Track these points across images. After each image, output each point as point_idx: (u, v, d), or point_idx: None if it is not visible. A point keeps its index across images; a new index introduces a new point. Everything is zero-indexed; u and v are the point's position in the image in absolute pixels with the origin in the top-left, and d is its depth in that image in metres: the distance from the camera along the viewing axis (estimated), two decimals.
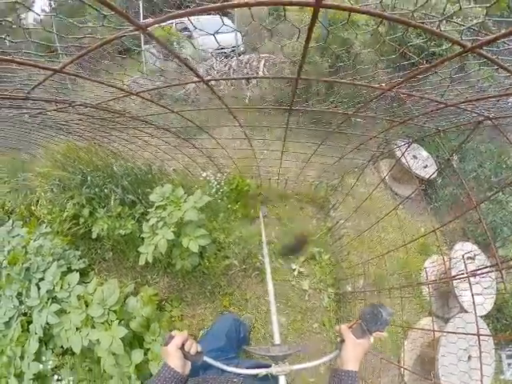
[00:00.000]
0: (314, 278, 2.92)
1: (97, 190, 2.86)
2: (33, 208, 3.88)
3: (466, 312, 2.90)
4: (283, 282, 2.91)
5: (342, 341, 1.08)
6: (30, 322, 2.95)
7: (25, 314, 3.06)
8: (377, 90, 1.34)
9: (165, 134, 2.80)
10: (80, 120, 2.46)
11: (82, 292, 2.44)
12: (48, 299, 2.61)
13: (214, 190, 2.90)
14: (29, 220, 3.63)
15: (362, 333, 1.04)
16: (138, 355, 2.07)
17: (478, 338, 1.72)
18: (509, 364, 3.15)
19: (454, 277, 2.06)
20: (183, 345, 1.04)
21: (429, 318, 3.09)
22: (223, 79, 3.87)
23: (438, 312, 3.23)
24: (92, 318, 2.26)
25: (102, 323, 2.13)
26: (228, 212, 3.00)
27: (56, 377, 2.58)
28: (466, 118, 1.89)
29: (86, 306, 2.28)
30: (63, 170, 3.14)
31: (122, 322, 2.16)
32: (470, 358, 2.65)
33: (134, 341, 2.26)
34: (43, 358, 2.67)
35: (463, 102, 1.36)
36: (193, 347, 1.06)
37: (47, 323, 2.52)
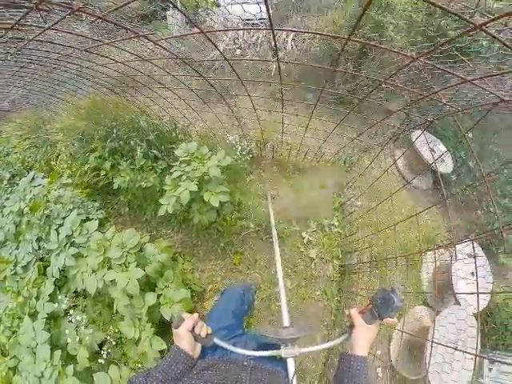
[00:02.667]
0: (321, 248, 2.90)
1: (121, 142, 2.81)
2: (52, 163, 3.86)
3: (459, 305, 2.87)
4: (293, 247, 2.90)
5: (352, 325, 1.06)
6: (46, 267, 2.98)
7: (42, 259, 3.08)
8: (406, 59, 1.32)
9: (190, 94, 2.76)
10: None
11: (100, 238, 2.42)
12: (66, 243, 2.60)
13: (237, 155, 2.85)
14: (48, 174, 3.62)
15: (372, 318, 1.02)
16: (151, 297, 2.05)
17: None
18: (489, 369, 3.06)
19: None
20: (193, 327, 1.03)
21: (422, 306, 3.09)
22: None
23: (432, 304, 3.19)
24: (109, 260, 2.25)
25: (120, 265, 2.11)
26: (247, 177, 2.97)
27: (68, 318, 2.60)
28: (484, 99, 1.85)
29: (104, 249, 2.27)
30: (87, 123, 3.12)
31: (139, 265, 2.14)
32: (456, 349, 2.64)
33: (147, 286, 2.24)
34: (57, 300, 2.69)
35: (480, 78, 1.35)
36: (203, 330, 1.06)
37: (64, 266, 2.52)
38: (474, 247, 2.32)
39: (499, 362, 2.91)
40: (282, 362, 1.10)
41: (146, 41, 1.46)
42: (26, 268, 3.00)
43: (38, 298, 2.72)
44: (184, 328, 1.01)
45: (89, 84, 3.07)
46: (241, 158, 2.88)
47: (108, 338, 2.30)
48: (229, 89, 3.92)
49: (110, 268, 2.18)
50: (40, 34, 1.39)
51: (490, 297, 2.86)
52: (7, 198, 3.67)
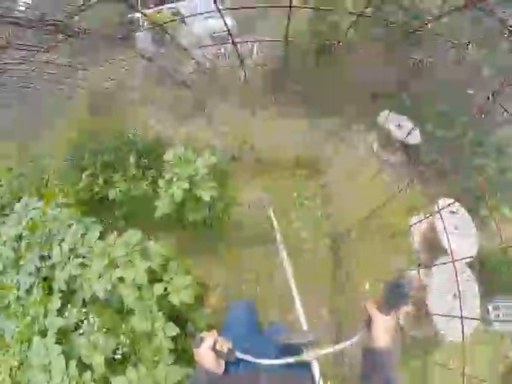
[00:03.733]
0: (311, 228, 3.12)
1: (112, 155, 2.97)
2: (42, 190, 3.92)
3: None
4: (285, 232, 3.05)
5: (369, 318, 1.06)
6: (50, 286, 3.01)
7: (44, 279, 3.11)
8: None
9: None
10: None
11: (103, 245, 2.52)
12: (70, 256, 2.67)
13: (219, 156, 3.05)
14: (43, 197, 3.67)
15: (388, 309, 1.02)
16: (159, 288, 2.16)
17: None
18: (496, 315, 3.29)
19: None
20: (214, 345, 1.03)
21: (415, 268, 3.23)
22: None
23: (427, 263, 3.31)
24: (115, 262, 2.36)
25: (126, 262, 2.23)
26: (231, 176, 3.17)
27: (79, 330, 2.63)
28: None
29: (109, 252, 2.38)
30: (77, 142, 3.26)
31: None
32: (455, 295, 2.81)
33: (154, 281, 2.34)
34: (65, 314, 2.73)
35: None
36: (224, 345, 1.05)
37: (70, 277, 2.59)
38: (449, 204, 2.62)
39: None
40: (305, 365, 1.09)
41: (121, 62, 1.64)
42: (29, 291, 3.00)
43: (45, 316, 2.75)
44: (206, 347, 1.01)
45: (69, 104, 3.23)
46: (224, 157, 3.09)
47: (121, 338, 2.37)
48: (203, 101, 4.14)
49: (116, 267, 2.28)
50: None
51: (476, 246, 3.05)
52: None
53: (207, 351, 1.00)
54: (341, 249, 3.03)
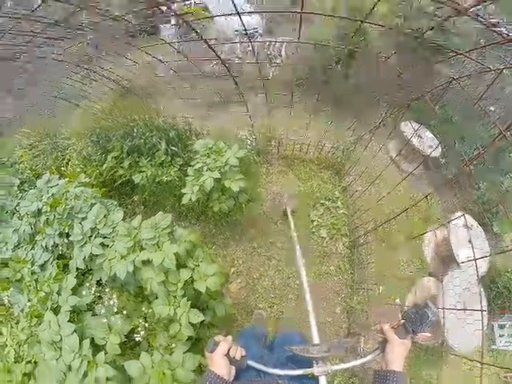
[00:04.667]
0: (330, 228, 3.15)
1: (141, 140, 2.95)
2: (63, 168, 3.90)
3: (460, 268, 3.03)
4: (304, 230, 3.11)
5: (384, 341, 1.05)
6: (65, 265, 2.97)
7: (59, 257, 3.07)
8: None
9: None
10: None
11: (128, 227, 2.48)
12: (91, 235, 2.63)
13: (247, 149, 3.05)
14: (66, 175, 3.65)
15: (405, 333, 1.00)
16: (185, 273, 2.12)
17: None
18: (500, 335, 3.26)
19: None
20: (228, 351, 1.03)
21: (429, 277, 3.24)
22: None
23: (438, 274, 3.35)
24: (140, 244, 2.33)
25: (153, 245, 2.20)
26: (258, 169, 3.17)
27: (96, 308, 2.57)
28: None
29: (135, 234, 2.34)
30: (105, 124, 3.23)
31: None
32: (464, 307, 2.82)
33: (180, 267, 2.31)
34: (80, 293, 2.68)
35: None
36: (237, 352, 1.05)
37: (90, 256, 2.54)
38: (465, 218, 2.61)
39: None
40: (314, 379, 1.08)
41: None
42: (43, 267, 2.97)
43: (59, 293, 2.71)
44: (220, 352, 1.00)
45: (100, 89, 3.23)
46: (251, 151, 3.08)
47: (140, 322, 2.33)
48: (230, 95, 4.14)
49: (141, 249, 2.24)
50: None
51: (488, 262, 3.04)
52: (18, 204, 3.66)
53: (221, 356, 1.00)
54: (357, 250, 3.02)
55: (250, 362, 1.10)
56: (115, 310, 2.34)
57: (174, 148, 2.95)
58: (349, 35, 3.49)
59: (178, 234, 2.30)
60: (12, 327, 2.82)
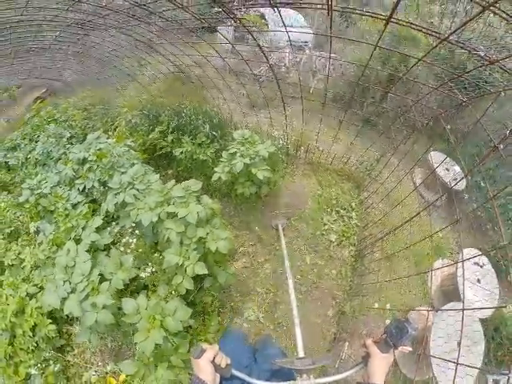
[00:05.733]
0: (340, 235, 3.32)
1: (188, 121, 3.36)
2: (109, 133, 4.35)
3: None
4: (315, 230, 3.32)
5: (367, 355, 1.08)
6: (95, 209, 3.31)
7: (91, 202, 3.42)
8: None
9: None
10: None
11: (160, 188, 2.81)
12: (127, 187, 2.98)
13: (278, 147, 3.40)
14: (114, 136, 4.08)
15: (387, 347, 1.03)
16: (202, 231, 2.37)
17: None
18: None
19: None
20: (214, 358, 1.03)
21: (426, 307, 3.20)
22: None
23: (438, 306, 3.26)
24: (168, 201, 2.65)
25: (181, 203, 2.51)
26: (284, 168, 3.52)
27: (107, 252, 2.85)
28: None
29: (167, 192, 2.67)
30: (158, 102, 3.70)
31: None
32: (458, 344, 2.63)
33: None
34: (103, 234, 2.99)
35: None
36: (223, 360, 1.05)
37: (121, 203, 2.87)
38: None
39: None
40: None
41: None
42: (75, 206, 3.33)
43: (84, 229, 3.03)
44: (205, 359, 1.01)
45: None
46: (281, 150, 3.43)
47: (149, 264, 2.60)
48: (272, 99, 4.53)
49: (168, 204, 2.56)
50: None
51: (495, 309, 2.94)
52: (64, 152, 4.12)
53: (206, 363, 1.01)
54: (362, 261, 3.17)
55: (235, 372, 1.10)
56: (128, 251, 2.63)
57: (214, 133, 3.33)
58: (391, 60, 3.73)
59: (204, 201, 2.60)
60: (35, 247, 3.14)
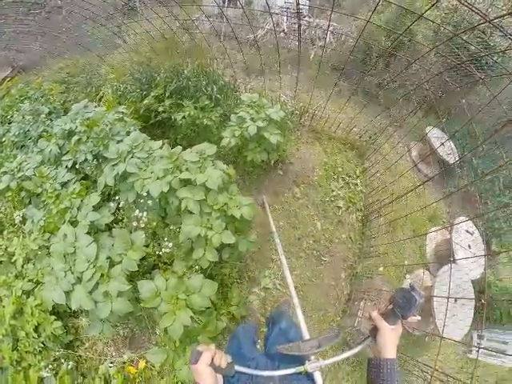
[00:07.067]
0: (347, 201, 3.29)
1: (189, 83, 2.96)
2: (94, 103, 3.83)
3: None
4: (324, 196, 3.25)
5: (375, 328, 1.01)
6: (87, 187, 2.89)
7: (83, 179, 2.99)
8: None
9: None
10: None
11: (168, 153, 2.45)
12: (126, 156, 2.58)
13: (286, 111, 3.12)
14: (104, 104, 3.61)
15: (395, 319, 0.97)
16: (223, 197, 2.14)
17: None
18: (478, 343, 3.25)
19: None
20: (212, 359, 0.95)
21: (424, 270, 3.35)
22: None
23: (434, 270, 3.43)
24: (178, 168, 2.32)
25: (197, 168, 2.20)
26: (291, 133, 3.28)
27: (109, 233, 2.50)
28: None
29: (177, 157, 2.34)
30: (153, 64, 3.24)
31: None
32: (456, 300, 2.92)
33: None
34: (102, 212, 2.61)
35: None
36: (223, 360, 0.97)
37: (121, 174, 2.49)
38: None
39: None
40: (307, 375, 1.05)
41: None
42: (65, 185, 2.89)
43: (79, 209, 2.63)
44: (203, 363, 0.92)
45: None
46: (288, 115, 3.15)
47: (164, 239, 2.30)
48: (270, 65, 4.18)
49: (181, 171, 2.24)
50: None
51: (481, 270, 3.17)
52: (44, 130, 3.58)
53: (205, 366, 0.92)
54: (369, 226, 3.15)
55: (239, 368, 1.03)
56: (142, 225, 2.30)
57: (218, 96, 2.98)
58: (395, 31, 3.54)
59: (219, 166, 2.31)
60: (24, 237, 2.72)
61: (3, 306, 2.41)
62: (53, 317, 2.45)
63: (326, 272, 2.90)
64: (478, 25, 2.93)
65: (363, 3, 4.66)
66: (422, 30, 3.42)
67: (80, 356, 2.68)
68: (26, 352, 2.38)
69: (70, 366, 2.46)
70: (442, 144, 3.58)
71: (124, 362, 2.57)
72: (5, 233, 2.92)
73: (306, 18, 4.30)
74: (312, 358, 1.03)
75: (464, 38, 3.31)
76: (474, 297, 2.96)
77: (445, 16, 3.57)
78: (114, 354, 2.70)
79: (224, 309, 2.48)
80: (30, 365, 2.38)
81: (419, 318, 0.90)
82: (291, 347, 1.07)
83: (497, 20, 2.86)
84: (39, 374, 2.36)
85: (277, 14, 4.49)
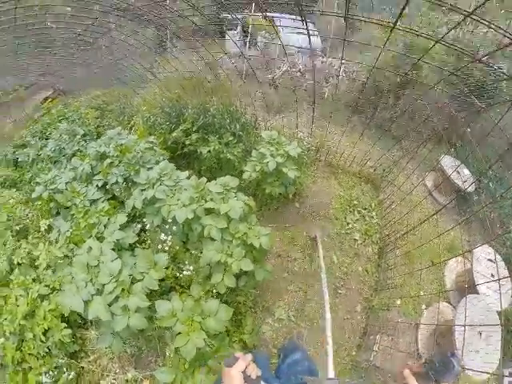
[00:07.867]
0: (363, 233, 3.35)
1: (215, 120, 3.24)
2: (126, 131, 4.13)
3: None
4: (340, 229, 3.33)
5: None
6: (115, 207, 3.08)
7: (111, 199, 3.18)
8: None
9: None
10: None
11: (195, 183, 2.65)
12: (155, 182, 2.78)
13: (303, 148, 3.35)
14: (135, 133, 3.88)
15: (427, 382, 0.96)
16: (244, 226, 2.26)
17: None
18: (510, 382, 2.97)
19: None
20: (245, 368, 0.97)
21: (444, 303, 3.25)
22: None
23: (455, 301, 3.30)
24: (203, 197, 2.50)
25: (220, 199, 2.38)
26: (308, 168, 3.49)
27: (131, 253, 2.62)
28: None
29: (203, 187, 2.53)
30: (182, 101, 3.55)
31: None
32: (480, 334, 2.70)
33: None
34: (127, 232, 2.76)
35: None
36: (254, 371, 0.99)
37: (150, 199, 2.67)
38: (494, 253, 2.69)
39: None
40: None
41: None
42: (94, 202, 3.09)
43: (106, 227, 2.79)
44: (237, 369, 0.95)
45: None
46: (305, 151, 3.38)
47: (186, 262, 2.42)
48: (287, 103, 4.49)
49: (206, 201, 2.41)
50: None
51: (508, 299, 3.01)
52: (78, 150, 3.87)
53: (237, 372, 0.95)
54: (385, 258, 3.18)
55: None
56: (166, 248, 2.44)
57: (240, 133, 3.24)
58: (402, 67, 3.75)
59: (240, 197, 2.47)
60: (50, 244, 2.86)
61: (17, 305, 2.45)
62: (63, 324, 2.47)
63: (342, 305, 2.91)
64: (466, 65, 3.10)
65: (372, 40, 4.96)
66: (428, 62, 3.58)
67: (82, 367, 2.64)
68: (30, 354, 2.37)
69: (70, 376, 2.43)
70: (457, 171, 3.58)
71: (127, 380, 2.53)
72: (29, 238, 3.01)
73: (320, 58, 4.66)
74: None
75: (469, 66, 3.40)
76: (500, 329, 2.75)
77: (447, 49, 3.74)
78: (117, 370, 2.64)
79: (237, 336, 2.50)
80: (30, 367, 2.37)
81: None
82: (313, 381, 1.09)
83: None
84: (38, 379, 2.35)
85: (292, 55, 4.82)
